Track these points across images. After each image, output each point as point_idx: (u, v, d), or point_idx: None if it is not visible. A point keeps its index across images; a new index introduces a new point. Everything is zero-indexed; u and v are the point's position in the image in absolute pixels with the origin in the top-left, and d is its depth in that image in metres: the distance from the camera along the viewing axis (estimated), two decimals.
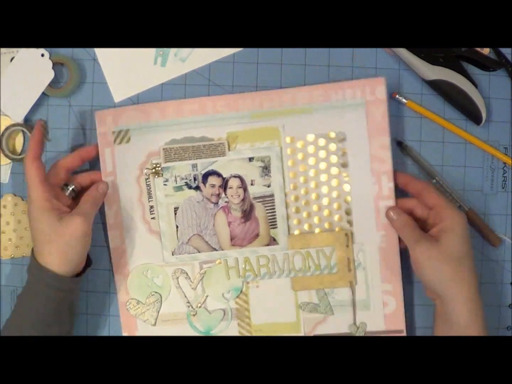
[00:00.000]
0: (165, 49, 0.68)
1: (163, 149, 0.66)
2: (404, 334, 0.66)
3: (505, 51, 0.68)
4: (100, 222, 0.68)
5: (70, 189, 0.64)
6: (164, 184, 0.67)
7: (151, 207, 0.67)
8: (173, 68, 0.68)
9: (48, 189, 0.60)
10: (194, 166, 0.66)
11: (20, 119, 0.67)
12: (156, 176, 0.66)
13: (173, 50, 0.68)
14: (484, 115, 0.66)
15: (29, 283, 0.60)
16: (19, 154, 0.68)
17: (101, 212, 0.67)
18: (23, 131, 0.68)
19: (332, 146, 0.66)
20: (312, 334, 0.67)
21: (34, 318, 0.58)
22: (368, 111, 0.65)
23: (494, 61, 0.67)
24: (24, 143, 0.68)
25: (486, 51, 0.68)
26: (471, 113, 0.66)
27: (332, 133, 0.66)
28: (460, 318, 0.58)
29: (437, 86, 0.66)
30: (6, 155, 0.67)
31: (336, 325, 0.67)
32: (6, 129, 0.67)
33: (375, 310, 0.66)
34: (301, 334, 0.67)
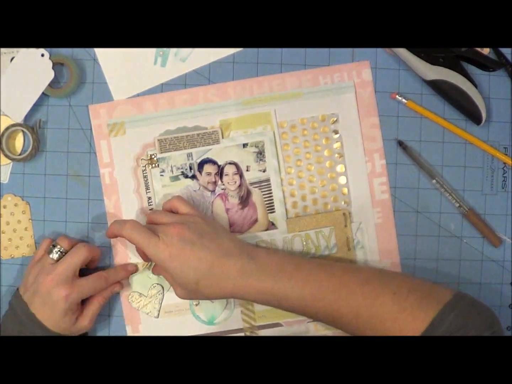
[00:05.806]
0: (165, 49, 0.68)
1: (158, 140, 0.67)
2: None
3: (505, 51, 0.68)
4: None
5: (57, 250, 0.63)
6: (161, 175, 0.67)
7: (149, 198, 0.68)
8: (173, 68, 0.68)
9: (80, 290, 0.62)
10: (189, 155, 0.67)
11: (20, 119, 0.67)
12: (152, 166, 0.67)
13: (173, 50, 0.68)
14: (484, 115, 0.66)
15: (18, 324, 0.61)
16: (19, 154, 0.68)
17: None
18: (23, 131, 0.68)
19: (325, 128, 0.68)
20: None
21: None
22: (357, 92, 0.67)
23: (494, 61, 0.67)
24: (24, 143, 0.68)
25: (486, 51, 0.68)
26: (471, 113, 0.66)
27: (324, 116, 0.67)
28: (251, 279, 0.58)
29: (437, 86, 0.66)
30: (6, 155, 0.67)
31: None
32: (6, 129, 0.67)
33: None
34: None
